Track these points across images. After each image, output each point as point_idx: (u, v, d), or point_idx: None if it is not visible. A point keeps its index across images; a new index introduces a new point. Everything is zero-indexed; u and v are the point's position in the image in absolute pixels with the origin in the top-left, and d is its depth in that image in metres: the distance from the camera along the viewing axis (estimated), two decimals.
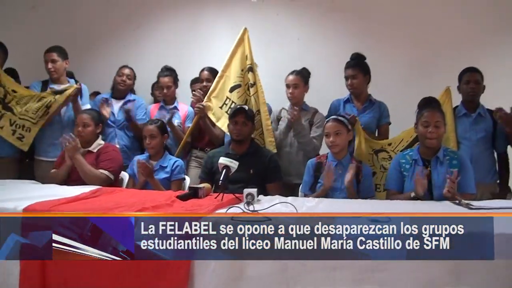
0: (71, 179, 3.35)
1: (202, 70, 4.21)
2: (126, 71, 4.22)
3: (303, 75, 3.85)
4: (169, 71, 4.23)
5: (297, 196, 3.23)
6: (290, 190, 3.43)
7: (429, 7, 4.54)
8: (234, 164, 2.72)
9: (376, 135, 3.85)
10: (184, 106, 4.28)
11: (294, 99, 3.83)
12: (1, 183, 3.13)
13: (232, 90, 3.81)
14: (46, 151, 3.89)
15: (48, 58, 4.02)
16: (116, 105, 4.16)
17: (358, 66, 3.75)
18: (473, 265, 1.86)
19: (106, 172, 3.37)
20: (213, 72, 4.11)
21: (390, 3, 4.63)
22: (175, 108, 4.20)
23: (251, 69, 3.81)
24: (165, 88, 4.18)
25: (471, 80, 3.59)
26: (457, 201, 2.55)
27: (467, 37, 4.43)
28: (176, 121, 4.01)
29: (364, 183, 3.08)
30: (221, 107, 3.78)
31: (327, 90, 4.19)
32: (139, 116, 4.18)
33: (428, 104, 3.12)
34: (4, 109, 3.80)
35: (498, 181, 3.64)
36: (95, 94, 4.42)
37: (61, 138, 3.42)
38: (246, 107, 3.39)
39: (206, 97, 3.83)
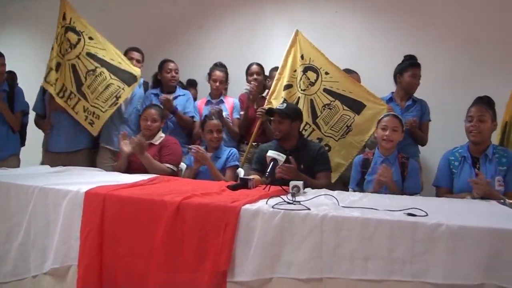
0: (132, 168, 3.56)
1: (252, 65, 4.36)
2: (172, 65, 4.36)
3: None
4: (223, 67, 4.40)
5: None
6: (342, 185, 3.54)
7: (486, 4, 4.42)
8: (281, 157, 2.79)
9: None
10: (230, 99, 4.44)
11: None
12: (68, 170, 3.43)
13: (285, 89, 3.91)
14: (108, 140, 4.20)
15: (132, 56, 4.33)
16: None
17: (420, 68, 3.81)
18: None
19: (171, 166, 3.61)
20: (261, 67, 4.33)
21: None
22: (221, 101, 4.37)
23: (310, 67, 3.89)
24: (218, 81, 4.35)
25: None
26: (502, 201, 2.53)
27: None
28: (224, 113, 4.15)
29: (410, 179, 3.11)
30: None
31: (385, 86, 4.14)
32: (189, 109, 4.35)
33: (477, 101, 3.08)
34: (79, 94, 4.08)
35: None
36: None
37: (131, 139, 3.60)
38: (283, 106, 3.42)
39: (266, 101, 3.95)
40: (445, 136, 3.87)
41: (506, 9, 4.35)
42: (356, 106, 3.82)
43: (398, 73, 3.91)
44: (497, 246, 1.83)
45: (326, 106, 3.86)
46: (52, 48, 4.11)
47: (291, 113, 3.38)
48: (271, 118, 3.65)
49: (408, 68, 3.83)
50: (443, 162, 3.11)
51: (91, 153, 4.32)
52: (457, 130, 3.48)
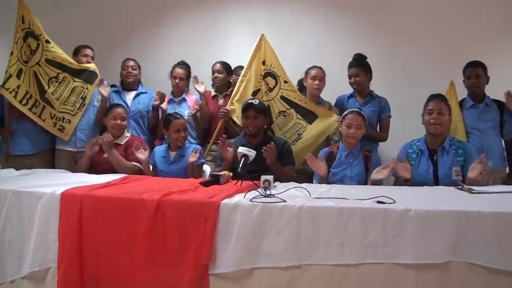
0: (100, 169, 3.53)
1: (215, 63, 4.45)
2: (130, 63, 4.41)
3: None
4: (185, 65, 4.45)
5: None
6: (307, 177, 3.62)
7: (440, 5, 4.71)
8: (252, 153, 2.88)
9: (378, 128, 4.07)
10: (192, 96, 4.50)
11: (320, 92, 4.10)
12: (33, 172, 3.39)
13: (254, 94, 3.98)
14: (64, 142, 4.14)
15: (87, 53, 4.29)
16: (128, 96, 4.37)
17: (359, 66, 3.98)
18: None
19: (138, 165, 3.61)
20: (225, 65, 4.40)
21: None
22: (183, 99, 4.43)
23: (270, 73, 3.98)
24: (178, 79, 4.39)
25: (472, 75, 3.80)
26: (460, 186, 2.72)
27: (477, 31, 4.59)
28: (186, 112, 4.26)
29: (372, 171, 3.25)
30: None
31: (341, 84, 4.28)
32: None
33: (433, 96, 3.27)
34: (43, 101, 4.01)
35: (507, 167, 3.82)
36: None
37: (99, 137, 3.61)
38: (257, 101, 3.52)
39: (229, 101, 4.02)
40: (399, 131, 4.07)
41: (458, 10, 4.65)
42: (309, 116, 3.96)
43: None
44: (461, 226, 2.03)
45: (282, 112, 3.98)
46: (12, 53, 3.98)
47: (264, 108, 3.56)
48: (233, 118, 3.80)
49: (349, 68, 4.04)
50: (401, 155, 3.27)
51: (49, 155, 4.25)
52: (410, 125, 3.74)
